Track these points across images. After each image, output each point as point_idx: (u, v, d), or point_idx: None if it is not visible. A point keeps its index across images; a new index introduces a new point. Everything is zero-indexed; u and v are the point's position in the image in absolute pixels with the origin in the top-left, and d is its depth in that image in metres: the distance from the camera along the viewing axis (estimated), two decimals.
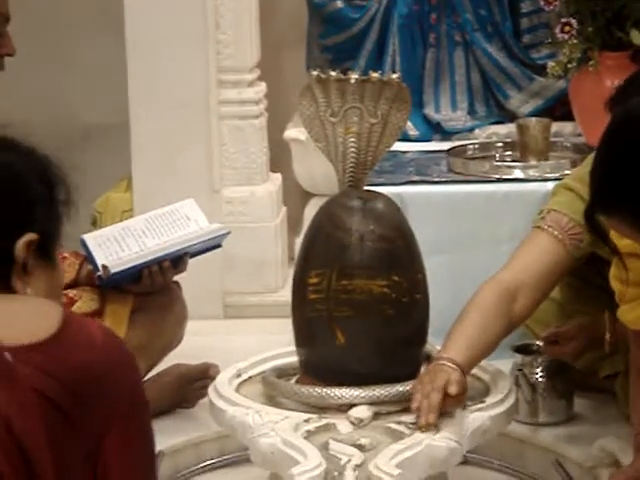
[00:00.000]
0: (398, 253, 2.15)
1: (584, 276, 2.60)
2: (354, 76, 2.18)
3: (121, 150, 3.46)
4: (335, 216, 2.15)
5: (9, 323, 1.29)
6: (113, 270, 2.51)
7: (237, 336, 3.19)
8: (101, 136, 3.98)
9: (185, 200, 2.68)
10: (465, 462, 2.22)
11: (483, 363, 2.29)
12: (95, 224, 3.43)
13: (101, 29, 3.86)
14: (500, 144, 3.34)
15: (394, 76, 2.20)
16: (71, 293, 2.54)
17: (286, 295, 3.14)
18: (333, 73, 2.20)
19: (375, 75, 2.19)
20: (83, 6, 3.94)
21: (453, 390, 2.02)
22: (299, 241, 3.38)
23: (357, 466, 1.95)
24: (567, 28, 3.17)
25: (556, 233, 2.34)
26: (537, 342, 2.58)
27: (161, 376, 2.67)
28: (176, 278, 2.66)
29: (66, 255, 2.61)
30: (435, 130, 3.52)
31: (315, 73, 2.21)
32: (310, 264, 2.16)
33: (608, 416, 2.52)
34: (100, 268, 2.53)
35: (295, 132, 3.44)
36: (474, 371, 2.28)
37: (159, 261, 2.56)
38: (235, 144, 3.39)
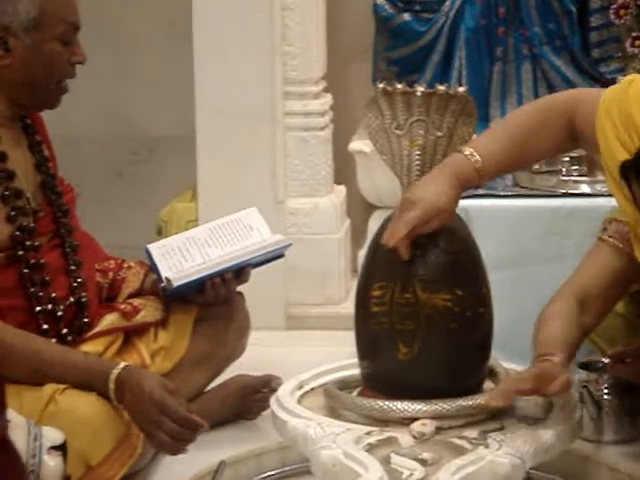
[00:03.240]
0: (462, 267, 2.13)
1: None
2: (420, 89, 2.17)
3: (186, 162, 3.49)
4: None
5: None
6: (176, 283, 2.53)
7: (299, 348, 3.19)
8: (167, 148, 4.02)
9: (248, 209, 2.69)
10: (528, 479, 2.19)
11: None
12: (160, 233, 3.47)
13: (168, 41, 3.90)
14: (567, 158, 3.30)
15: (461, 89, 2.18)
16: (136, 302, 2.56)
17: (349, 307, 3.14)
18: (399, 86, 2.19)
19: (441, 88, 2.18)
20: (150, 18, 3.99)
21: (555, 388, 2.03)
22: (362, 253, 3.38)
23: None
24: (637, 42, 3.15)
25: (618, 243, 2.32)
26: (603, 359, 2.55)
27: (223, 387, 2.68)
28: (239, 288, 2.67)
29: (131, 264, 2.64)
30: None
31: (381, 85, 2.20)
32: (373, 277, 2.15)
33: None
34: (164, 279, 2.55)
35: (360, 144, 3.44)
36: None
37: (222, 273, 2.57)
38: (300, 156, 3.40)
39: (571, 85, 3.49)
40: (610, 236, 2.35)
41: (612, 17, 3.27)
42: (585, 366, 2.58)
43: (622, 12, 3.23)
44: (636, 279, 2.38)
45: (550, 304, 2.28)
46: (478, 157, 2.12)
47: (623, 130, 2.12)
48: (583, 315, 2.27)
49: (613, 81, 3.27)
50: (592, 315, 2.28)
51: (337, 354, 2.59)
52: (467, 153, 2.12)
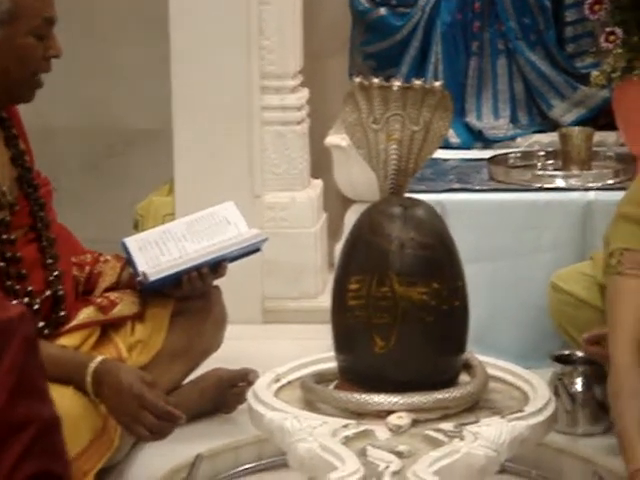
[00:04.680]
0: (438, 261, 2.14)
1: None
2: (397, 83, 2.18)
3: (163, 155, 3.49)
4: (376, 223, 2.15)
5: None
6: (152, 278, 2.53)
7: (276, 341, 3.20)
8: (144, 142, 4.01)
9: (225, 203, 2.69)
10: (503, 471, 2.21)
11: (522, 372, 2.28)
12: (137, 227, 3.46)
13: (145, 35, 3.89)
14: (542, 153, 3.33)
15: (437, 84, 2.19)
16: (112, 296, 2.56)
17: (325, 301, 3.15)
18: (376, 80, 2.20)
19: (418, 82, 2.18)
20: (127, 12, 3.98)
21: None
22: (339, 247, 3.39)
23: (395, 473, 1.94)
24: (612, 37, 3.16)
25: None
26: (577, 352, 2.57)
27: (200, 380, 2.68)
28: (216, 282, 2.67)
29: (108, 258, 2.64)
30: (477, 138, 3.52)
31: (358, 80, 2.21)
32: (350, 270, 2.16)
33: None
34: (140, 273, 2.55)
35: (336, 139, 3.45)
36: (513, 380, 2.27)
37: (198, 267, 2.58)
38: (277, 150, 3.40)
39: (546, 80, 3.51)
40: (631, 268, 2.33)
41: (587, 12, 3.28)
42: (559, 359, 2.60)
43: (596, 7, 3.24)
44: None
45: (621, 371, 2.22)
46: None
47: None
48: None
49: (587, 76, 3.29)
50: None
51: (314, 347, 2.61)
52: None
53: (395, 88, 2.17)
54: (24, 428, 1.18)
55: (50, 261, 2.44)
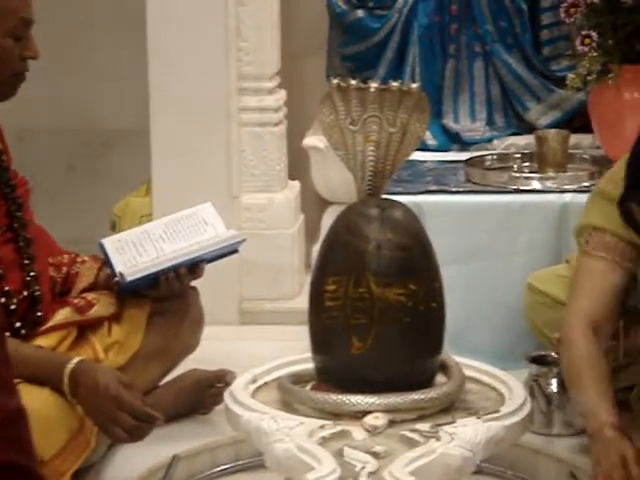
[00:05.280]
0: (415, 262, 2.15)
1: None
2: (374, 85, 2.19)
3: (141, 156, 3.48)
4: (353, 224, 2.16)
5: None
6: (129, 278, 2.53)
7: (253, 342, 3.20)
8: (121, 142, 4.01)
9: (203, 204, 2.69)
10: (479, 471, 2.21)
11: (498, 373, 2.30)
12: (114, 228, 3.46)
13: (122, 35, 3.89)
14: (518, 155, 3.34)
15: (414, 85, 2.20)
16: (89, 296, 2.55)
17: (302, 302, 3.15)
18: (353, 82, 2.20)
19: (395, 84, 2.19)
20: (104, 12, 3.98)
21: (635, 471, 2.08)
22: (316, 249, 3.39)
23: (371, 473, 1.95)
24: (587, 41, 3.18)
25: (608, 257, 2.34)
26: (553, 353, 2.58)
27: (177, 381, 2.68)
28: (193, 283, 2.67)
29: (85, 259, 2.63)
30: (453, 140, 3.53)
31: (335, 81, 2.21)
32: (327, 271, 2.17)
33: (623, 428, 2.52)
34: (117, 274, 2.55)
35: (314, 140, 3.45)
36: (489, 381, 2.28)
37: (175, 268, 2.57)
38: (254, 151, 3.40)
39: (522, 82, 3.53)
40: (596, 249, 2.36)
41: (562, 15, 3.29)
42: (535, 360, 2.61)
43: (572, 10, 3.26)
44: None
45: (573, 344, 2.31)
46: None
47: None
48: (600, 342, 2.31)
49: (563, 79, 3.31)
50: (607, 338, 2.32)
51: (291, 349, 2.61)
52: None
53: (372, 90, 2.18)
54: None
55: (27, 262, 2.43)
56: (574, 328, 2.32)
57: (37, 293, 2.43)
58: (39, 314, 2.44)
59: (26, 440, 1.20)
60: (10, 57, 2.34)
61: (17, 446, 1.19)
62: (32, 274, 2.43)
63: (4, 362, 1.21)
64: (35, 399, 2.19)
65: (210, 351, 2.79)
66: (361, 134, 2.20)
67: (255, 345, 3.14)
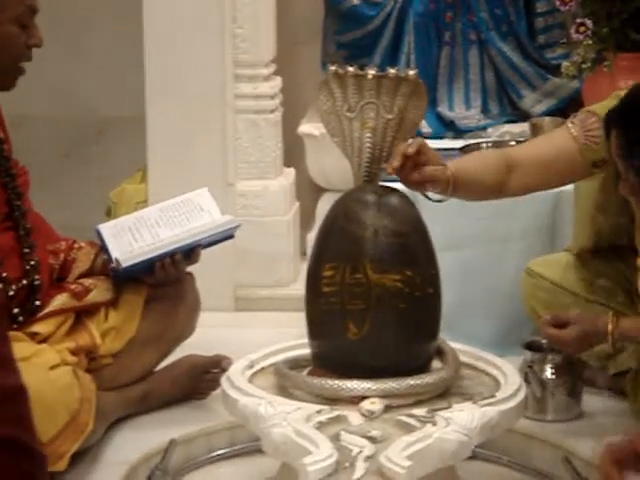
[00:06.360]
0: (412, 248, 2.16)
1: (600, 272, 2.61)
2: (371, 72, 2.20)
3: (136, 143, 3.48)
4: (350, 210, 2.16)
5: None
6: (125, 264, 2.53)
7: (248, 329, 3.21)
8: (116, 129, 4.00)
9: (199, 189, 2.70)
10: (473, 457, 2.23)
11: (493, 359, 2.31)
12: (110, 214, 3.46)
13: (118, 22, 3.88)
14: (513, 143, 3.34)
15: (411, 72, 2.21)
16: (86, 282, 2.56)
17: (297, 289, 3.17)
18: (350, 68, 2.21)
19: (392, 71, 2.20)
20: (101, 0, 3.97)
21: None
22: (311, 236, 3.40)
23: (368, 457, 1.96)
24: (582, 29, 3.19)
25: (573, 131, 2.35)
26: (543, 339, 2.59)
27: (174, 367, 2.69)
28: (189, 269, 2.68)
29: (82, 245, 2.64)
30: (448, 128, 3.53)
31: (333, 68, 2.22)
32: (324, 257, 2.18)
33: (617, 414, 2.54)
34: (113, 260, 2.55)
35: (309, 127, 3.46)
36: (484, 366, 2.30)
37: (171, 254, 2.58)
38: (250, 138, 3.41)
39: (517, 70, 3.54)
40: (572, 123, 2.38)
41: (557, 3, 3.30)
42: (530, 346, 2.62)
43: None
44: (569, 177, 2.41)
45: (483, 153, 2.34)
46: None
47: None
48: (510, 174, 2.31)
49: (558, 67, 3.31)
50: (516, 181, 2.32)
51: (286, 335, 2.62)
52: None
53: (369, 76, 2.19)
54: None
55: (27, 250, 2.44)
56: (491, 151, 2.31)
57: (37, 282, 2.44)
58: (37, 302, 2.45)
59: (25, 417, 1.21)
60: (16, 45, 2.35)
61: (16, 422, 1.19)
62: (32, 263, 2.44)
63: (3, 340, 1.22)
64: (35, 381, 2.19)
65: (206, 337, 2.80)
66: (358, 121, 2.20)
67: (250, 331, 3.15)
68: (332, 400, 2.14)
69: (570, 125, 2.36)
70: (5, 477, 1.17)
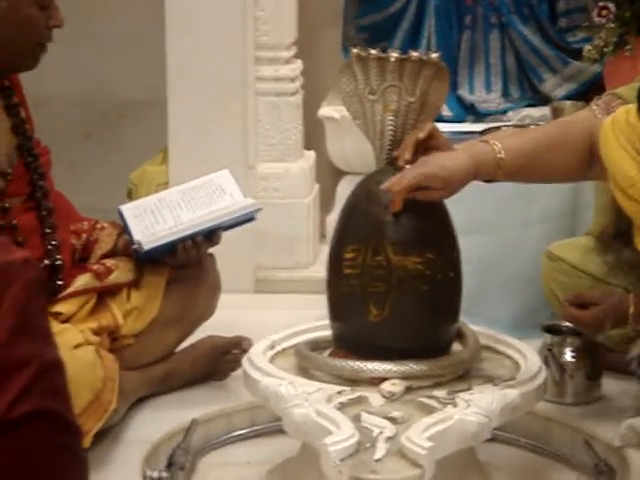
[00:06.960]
0: (433, 231, 2.17)
1: (621, 255, 2.61)
2: (394, 54, 2.20)
3: (158, 125, 3.49)
4: (372, 192, 2.17)
5: None
6: (147, 247, 2.54)
7: (267, 310, 3.22)
8: (137, 111, 4.01)
9: (221, 171, 2.70)
10: (492, 439, 2.23)
11: (513, 341, 2.32)
12: (130, 196, 3.47)
13: (139, 5, 3.89)
14: (533, 127, 3.34)
15: (434, 55, 2.21)
16: (109, 263, 2.57)
17: (317, 271, 3.18)
18: (373, 51, 2.21)
19: (415, 54, 2.20)
20: None
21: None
22: (330, 218, 3.41)
23: (389, 438, 1.97)
24: (604, 12, 3.18)
25: (598, 112, 2.31)
26: (567, 323, 2.59)
27: (194, 347, 2.70)
28: (210, 251, 2.69)
29: (105, 225, 2.65)
30: (468, 111, 3.53)
31: (355, 51, 2.22)
32: (346, 239, 2.18)
33: (637, 397, 2.54)
34: (135, 242, 2.57)
35: (329, 110, 3.46)
36: (504, 349, 2.30)
37: (193, 236, 2.59)
38: (270, 121, 3.41)
39: (538, 54, 3.53)
40: (597, 105, 2.36)
41: None
42: (549, 329, 2.63)
43: None
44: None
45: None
46: (502, 149, 2.14)
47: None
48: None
49: (579, 50, 3.31)
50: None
51: (305, 317, 2.63)
52: (492, 143, 2.13)
53: (392, 59, 2.19)
54: (23, 367, 1.20)
55: (49, 230, 2.45)
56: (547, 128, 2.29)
57: (58, 262, 2.45)
58: (60, 282, 2.46)
59: (63, 390, 1.23)
60: (36, 26, 2.36)
61: (53, 395, 1.21)
62: (53, 243, 2.45)
63: (42, 314, 1.23)
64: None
65: (225, 319, 2.82)
66: (380, 103, 2.21)
67: (269, 313, 3.16)
68: (353, 381, 2.15)
69: (595, 107, 2.35)
70: (42, 448, 1.19)
